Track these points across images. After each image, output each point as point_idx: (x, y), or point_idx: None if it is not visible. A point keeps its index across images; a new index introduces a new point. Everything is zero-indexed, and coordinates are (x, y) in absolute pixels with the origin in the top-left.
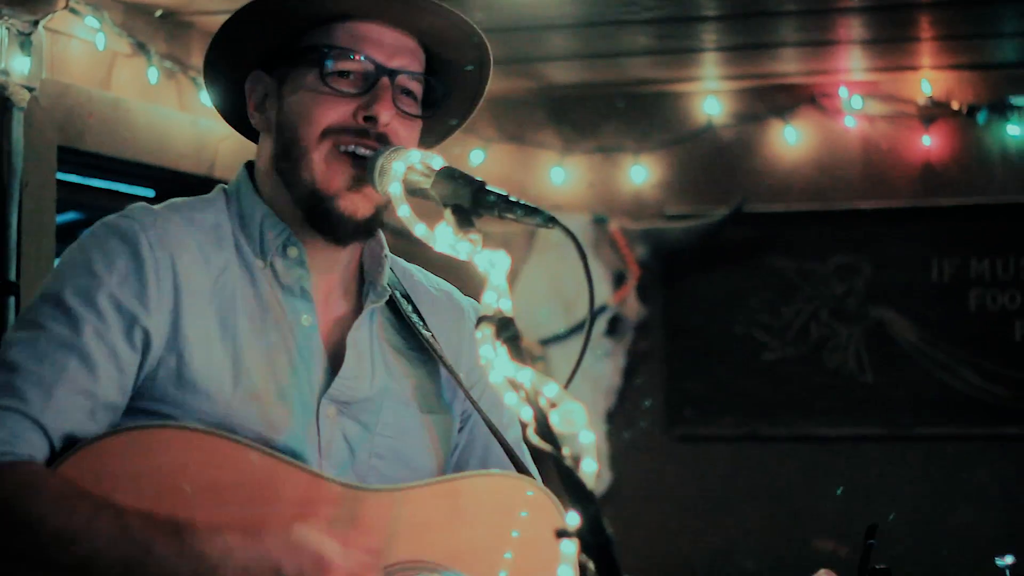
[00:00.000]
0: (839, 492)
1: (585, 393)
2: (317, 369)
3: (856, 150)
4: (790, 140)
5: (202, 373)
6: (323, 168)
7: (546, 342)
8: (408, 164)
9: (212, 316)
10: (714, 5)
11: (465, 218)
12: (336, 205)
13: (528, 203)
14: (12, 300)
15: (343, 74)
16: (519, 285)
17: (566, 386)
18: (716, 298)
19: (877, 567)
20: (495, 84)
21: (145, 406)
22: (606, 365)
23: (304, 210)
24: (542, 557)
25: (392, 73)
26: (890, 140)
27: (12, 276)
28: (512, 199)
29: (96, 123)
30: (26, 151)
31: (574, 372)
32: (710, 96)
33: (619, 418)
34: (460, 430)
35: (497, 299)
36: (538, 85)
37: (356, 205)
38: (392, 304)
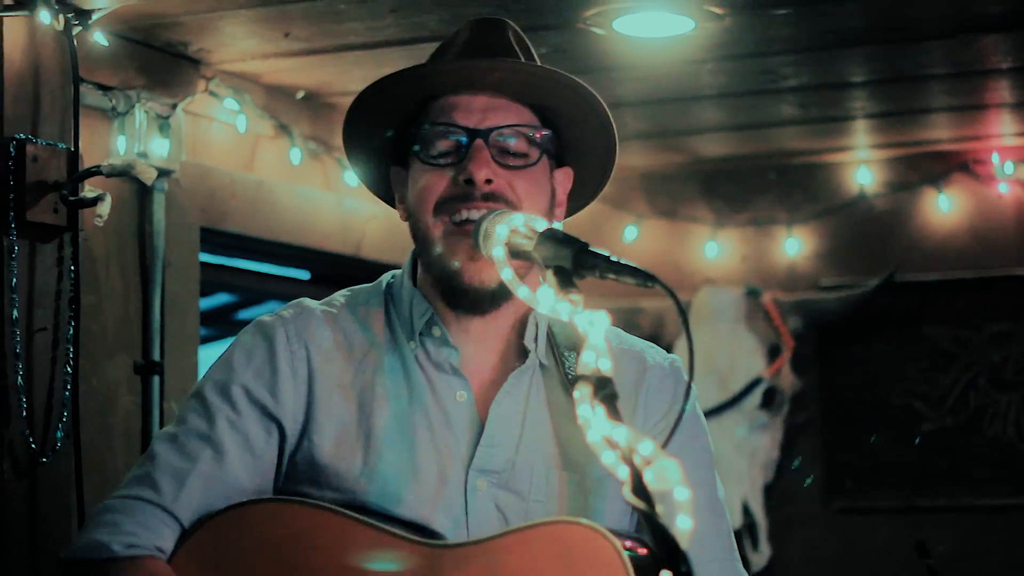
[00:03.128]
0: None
1: (743, 467)
2: (465, 442)
3: (1010, 216)
4: (943, 208)
5: (331, 455)
6: (443, 244)
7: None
8: (511, 227)
9: (349, 401)
10: (861, 71)
11: (566, 279)
12: (462, 280)
13: (629, 263)
14: (156, 379)
15: (440, 149)
16: None
17: (664, 444)
18: (872, 368)
19: None
20: (646, 159)
21: (294, 487)
22: (763, 438)
23: (441, 291)
24: None
25: (482, 133)
26: None
27: (156, 356)
28: (613, 259)
29: (239, 204)
30: (168, 233)
31: (672, 432)
32: (862, 166)
33: (777, 492)
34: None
35: (596, 359)
36: (689, 159)
37: (480, 275)
38: (559, 366)
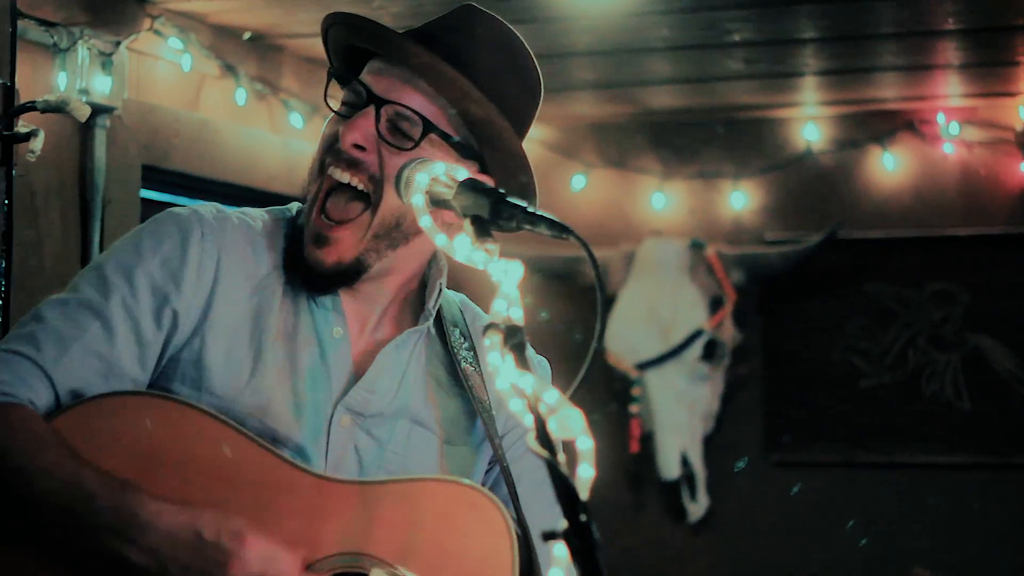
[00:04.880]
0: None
1: (683, 418)
2: (340, 380)
3: (954, 176)
4: (888, 166)
5: (220, 361)
6: (307, 208)
7: (642, 366)
8: (432, 176)
9: (246, 313)
10: (811, 27)
11: (483, 228)
12: (308, 254)
13: (545, 214)
14: None
15: (344, 98)
16: (617, 309)
17: (568, 394)
18: (813, 324)
19: None
20: (595, 109)
21: (165, 385)
22: (703, 390)
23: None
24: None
25: (379, 103)
26: (988, 166)
27: None
28: (530, 210)
29: (182, 143)
30: (109, 169)
31: (578, 382)
32: (809, 122)
33: (717, 443)
34: (488, 471)
35: (507, 307)
36: (638, 110)
37: (323, 256)
38: (443, 339)
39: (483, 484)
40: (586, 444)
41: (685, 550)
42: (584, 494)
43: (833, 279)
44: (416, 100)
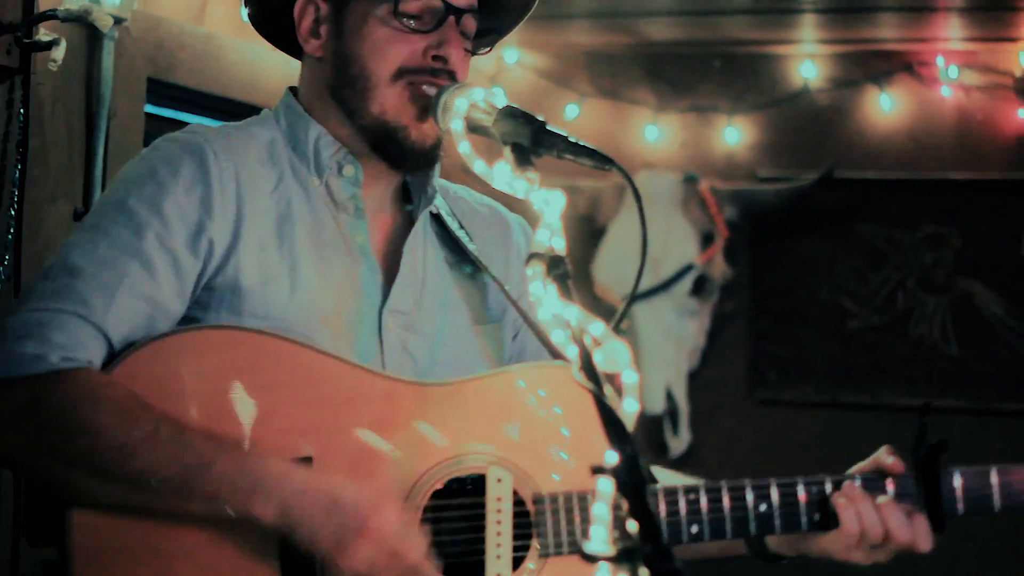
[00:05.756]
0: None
1: (669, 352)
2: (374, 283)
3: (950, 120)
4: (885, 107)
5: (257, 282)
6: (397, 102)
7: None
8: (471, 101)
9: (271, 226)
10: None
11: (524, 156)
12: (408, 135)
13: (587, 144)
14: None
15: (414, 10)
16: (607, 242)
17: (615, 327)
18: (803, 263)
19: (932, 442)
20: (591, 38)
21: (204, 315)
22: (691, 325)
23: (371, 140)
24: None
25: (459, 12)
26: (985, 111)
27: None
28: (571, 139)
29: (187, 56)
30: (115, 82)
31: (623, 313)
32: (806, 60)
33: (701, 379)
34: (513, 339)
35: (550, 237)
36: (634, 41)
37: (425, 135)
38: (439, 220)
39: (512, 354)
40: (632, 378)
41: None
42: (630, 427)
43: (825, 218)
44: None
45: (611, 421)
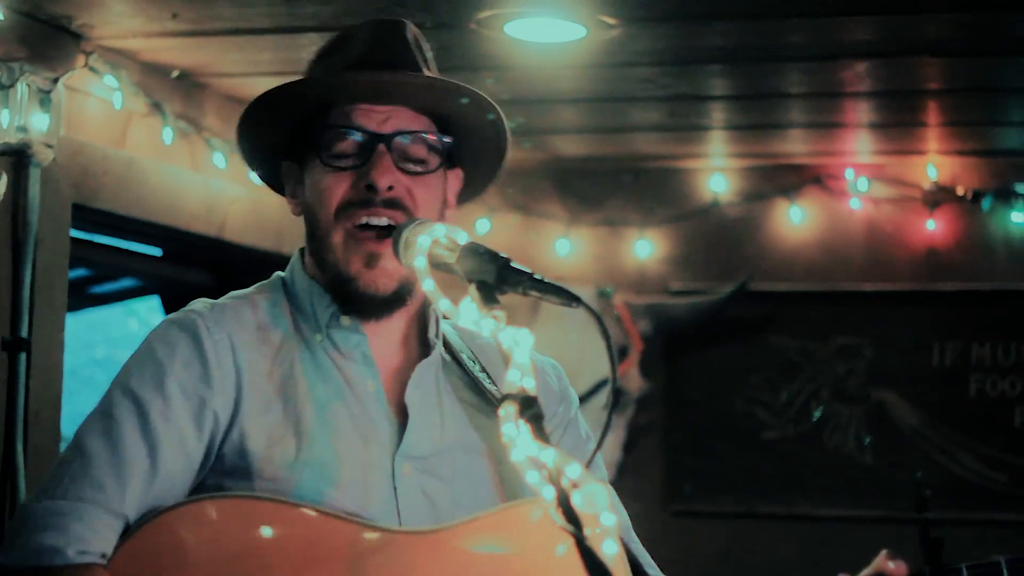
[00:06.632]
0: None
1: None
2: (387, 431)
3: (861, 232)
4: (795, 220)
5: (263, 444)
6: (342, 248)
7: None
8: (433, 238)
9: (273, 390)
10: (723, 84)
11: (489, 294)
12: (357, 286)
13: (553, 282)
14: (23, 356)
15: (341, 151)
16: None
17: (587, 465)
18: (717, 375)
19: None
20: None
21: (212, 480)
22: (606, 439)
23: (333, 291)
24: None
25: (386, 138)
26: (895, 223)
27: (24, 332)
28: (537, 277)
29: (110, 181)
30: (41, 208)
31: (595, 452)
32: (716, 173)
33: (618, 491)
34: None
35: (520, 377)
36: (546, 157)
37: (376, 282)
38: (458, 363)
39: None
40: (610, 520)
41: None
42: (612, 568)
43: (738, 330)
44: (410, 122)
45: (593, 563)
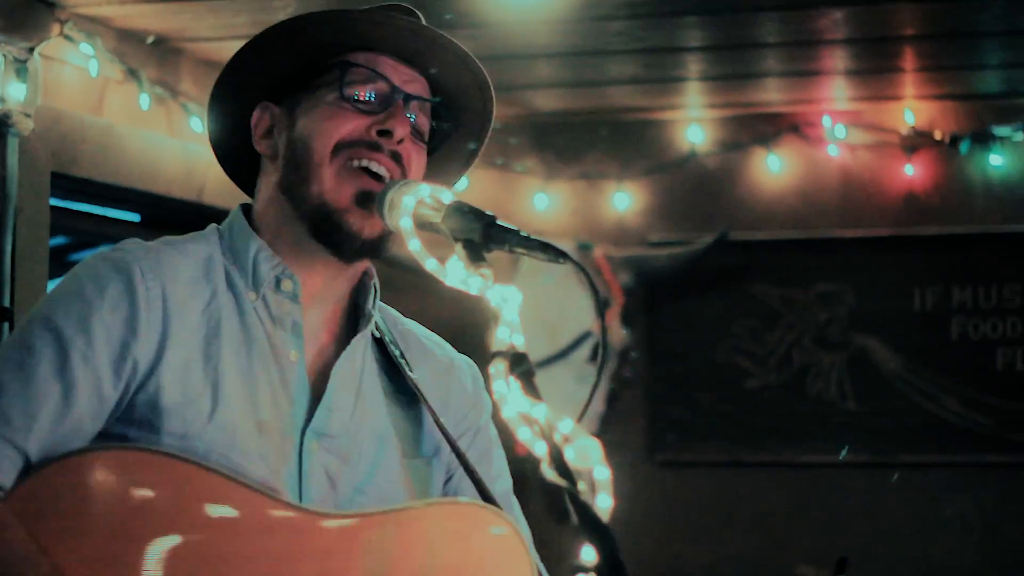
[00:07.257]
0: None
1: (569, 419)
2: (301, 403)
3: (839, 179)
4: (773, 168)
5: (177, 401)
6: (334, 181)
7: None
8: (418, 198)
9: (197, 344)
10: (699, 35)
11: (476, 253)
12: (344, 219)
13: (539, 238)
14: (6, 326)
15: (362, 92)
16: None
17: (579, 420)
18: (699, 325)
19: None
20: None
21: (118, 429)
22: (590, 391)
23: (311, 223)
24: None
25: (407, 97)
26: (873, 169)
27: (6, 302)
28: (523, 234)
29: (88, 149)
30: (20, 177)
31: (586, 408)
32: (693, 124)
33: (603, 444)
34: (446, 483)
35: (510, 334)
36: (522, 112)
37: (363, 223)
38: (382, 347)
39: (444, 494)
40: (603, 474)
41: (569, 551)
42: (606, 521)
43: (718, 280)
44: (423, 91)
45: (588, 518)
